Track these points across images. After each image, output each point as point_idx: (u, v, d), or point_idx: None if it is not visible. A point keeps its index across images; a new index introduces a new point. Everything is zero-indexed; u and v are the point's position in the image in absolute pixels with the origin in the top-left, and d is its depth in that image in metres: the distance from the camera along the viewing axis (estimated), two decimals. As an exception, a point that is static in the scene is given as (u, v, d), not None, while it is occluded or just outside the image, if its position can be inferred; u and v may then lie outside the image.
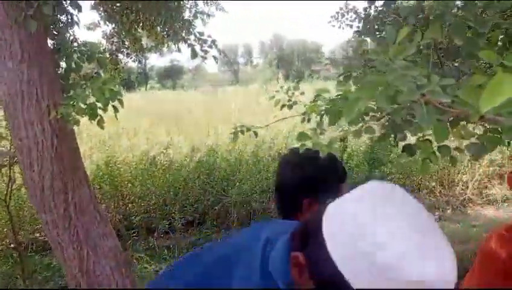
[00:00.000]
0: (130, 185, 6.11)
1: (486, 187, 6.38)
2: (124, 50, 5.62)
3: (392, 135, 1.08)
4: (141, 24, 5.11)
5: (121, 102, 1.84)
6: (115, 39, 5.47)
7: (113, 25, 5.23)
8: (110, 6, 4.57)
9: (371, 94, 0.80)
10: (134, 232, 5.51)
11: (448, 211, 6.30)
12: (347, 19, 3.85)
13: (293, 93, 1.96)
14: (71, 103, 1.87)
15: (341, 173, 1.38)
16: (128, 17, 4.39)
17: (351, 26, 3.85)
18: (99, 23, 5.43)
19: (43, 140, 2.12)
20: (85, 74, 2.33)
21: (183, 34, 5.36)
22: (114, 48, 5.49)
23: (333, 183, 1.31)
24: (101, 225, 2.35)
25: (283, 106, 1.96)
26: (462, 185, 6.49)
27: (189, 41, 3.72)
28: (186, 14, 5.20)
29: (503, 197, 6.27)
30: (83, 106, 1.84)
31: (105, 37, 5.45)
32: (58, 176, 2.18)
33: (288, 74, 48.88)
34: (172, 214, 5.70)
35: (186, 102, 18.41)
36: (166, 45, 7.12)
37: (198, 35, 3.05)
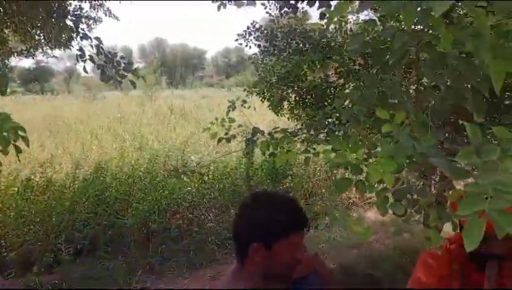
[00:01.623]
0: (-1, 214, 5.14)
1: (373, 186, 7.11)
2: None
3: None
4: (13, 26, 4.39)
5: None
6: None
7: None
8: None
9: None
10: (9, 273, 4.63)
11: (337, 215, 6.83)
12: (254, 38, 3.88)
13: (230, 125, 1.84)
14: None
15: (297, 220, 1.32)
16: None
17: (259, 46, 3.89)
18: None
19: None
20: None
21: (65, 38, 4.79)
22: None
23: (287, 230, 1.25)
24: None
25: (220, 139, 1.82)
26: (348, 190, 7.12)
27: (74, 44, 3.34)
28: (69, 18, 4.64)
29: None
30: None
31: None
32: None
33: (171, 79, 47.91)
34: (58, 244, 4.96)
35: (59, 109, 16.50)
36: (41, 49, 6.27)
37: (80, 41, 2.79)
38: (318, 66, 4.02)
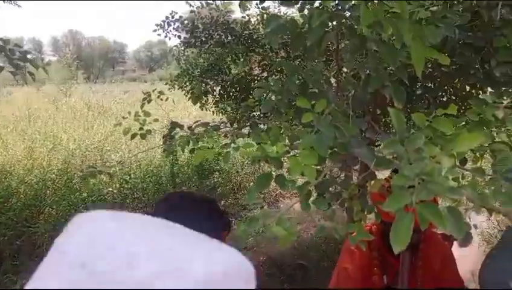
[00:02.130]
0: None
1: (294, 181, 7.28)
2: None
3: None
4: None
5: None
6: None
7: None
8: None
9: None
10: None
11: (265, 207, 6.91)
12: (174, 28, 3.69)
13: (144, 120, 1.68)
14: None
15: (215, 224, 1.21)
16: None
17: (180, 37, 3.72)
18: None
19: None
20: None
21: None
22: None
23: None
24: None
25: (134, 135, 1.66)
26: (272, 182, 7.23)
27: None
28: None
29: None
30: None
31: None
32: None
33: (89, 74, 44.90)
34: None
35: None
36: None
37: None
38: (242, 59, 3.97)
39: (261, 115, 2.87)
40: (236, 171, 7.28)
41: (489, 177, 0.55)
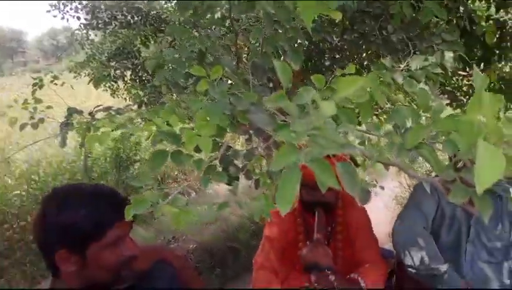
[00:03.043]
0: None
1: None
2: None
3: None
4: None
5: None
6: None
7: None
8: None
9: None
10: None
11: (193, 195, 6.80)
12: (71, 9, 3.34)
13: (35, 107, 1.48)
14: None
15: (113, 213, 1.08)
16: None
17: (79, 18, 3.37)
18: None
19: None
20: None
21: None
22: None
23: (101, 227, 1.02)
24: None
25: (23, 125, 1.46)
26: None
27: None
28: None
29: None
30: None
31: None
32: None
33: (-17, 66, 39.93)
34: None
35: None
36: None
37: None
38: (152, 41, 3.75)
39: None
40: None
41: (384, 133, 0.54)
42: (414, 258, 1.75)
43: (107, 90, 4.40)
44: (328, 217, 1.86)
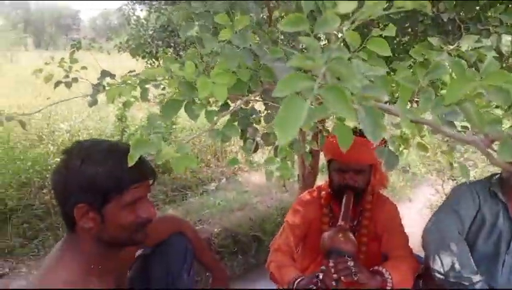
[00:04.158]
0: None
1: (252, 155, 7.23)
2: None
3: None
4: None
5: None
6: None
7: None
8: None
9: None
10: None
11: (223, 181, 6.84)
12: (120, -18, 3.40)
13: (70, 67, 1.50)
14: None
15: (134, 171, 1.08)
16: None
17: (126, -8, 3.43)
18: None
19: None
20: None
21: None
22: None
23: (120, 185, 1.02)
24: None
25: (57, 83, 1.48)
26: (233, 155, 7.16)
27: None
28: None
29: (264, 163, 7.26)
30: None
31: None
32: None
33: (40, 40, 42.14)
34: None
35: None
36: None
37: None
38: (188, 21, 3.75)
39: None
40: (193, 143, 7.11)
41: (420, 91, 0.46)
42: (444, 263, 1.63)
43: (148, 67, 4.47)
44: (356, 208, 1.78)
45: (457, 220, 1.74)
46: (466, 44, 0.99)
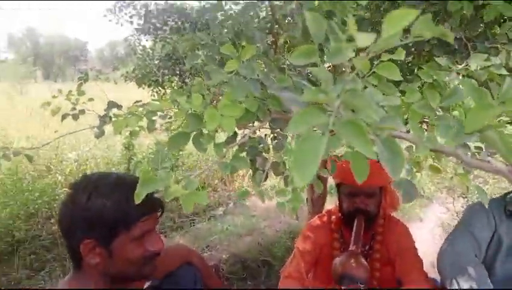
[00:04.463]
0: None
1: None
2: None
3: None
4: None
5: None
6: None
7: None
8: None
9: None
10: None
11: (230, 205, 6.78)
12: (126, 14, 3.48)
13: (77, 99, 1.51)
14: None
15: (142, 204, 1.06)
16: None
17: (131, 23, 3.51)
18: None
19: None
20: None
21: None
22: None
23: (128, 219, 0.99)
24: None
25: (64, 115, 1.49)
26: (240, 180, 7.12)
27: None
28: None
29: (271, 187, 7.21)
30: None
31: None
32: None
33: (48, 72, 43.09)
34: None
35: None
36: None
37: None
38: (194, 51, 3.80)
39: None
40: (200, 167, 7.10)
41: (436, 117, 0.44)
42: (462, 287, 1.57)
43: (154, 96, 4.51)
44: (368, 232, 1.73)
45: (474, 241, 1.68)
46: (475, 63, 0.98)
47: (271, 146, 0.73)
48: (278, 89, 0.61)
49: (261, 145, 0.71)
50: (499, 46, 1.04)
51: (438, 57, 1.15)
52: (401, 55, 0.63)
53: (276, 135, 0.70)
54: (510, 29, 1.03)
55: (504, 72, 0.98)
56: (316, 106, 0.29)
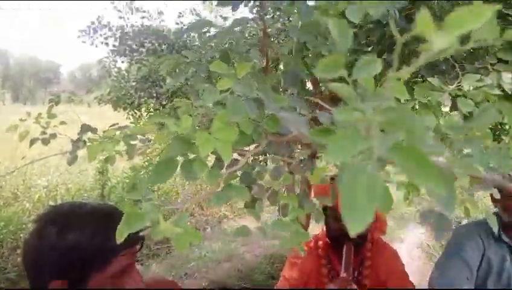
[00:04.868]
0: None
1: (236, 201, 7.06)
2: None
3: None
4: None
5: None
6: None
7: None
8: None
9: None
10: None
11: (208, 230, 6.60)
12: (101, 35, 3.39)
13: (47, 122, 1.40)
14: None
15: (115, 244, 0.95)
16: None
17: (107, 44, 3.42)
18: None
19: None
20: None
21: None
22: None
23: (104, 255, 0.87)
24: None
25: (33, 140, 1.37)
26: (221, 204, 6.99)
27: None
28: None
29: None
30: None
31: None
32: None
33: (18, 95, 41.92)
34: None
35: None
36: None
37: None
38: (177, 70, 3.75)
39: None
40: (177, 192, 6.93)
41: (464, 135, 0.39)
42: (455, 314, 1.52)
43: (130, 118, 4.40)
44: (356, 257, 1.67)
45: (464, 265, 1.64)
46: (467, 83, 0.96)
47: (267, 173, 0.66)
48: (277, 109, 0.56)
49: (255, 169, 0.65)
50: (488, 66, 1.03)
51: (427, 77, 1.13)
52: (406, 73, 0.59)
53: (272, 160, 0.64)
54: (499, 49, 1.03)
55: (497, 92, 0.96)
56: (349, 129, 0.23)
